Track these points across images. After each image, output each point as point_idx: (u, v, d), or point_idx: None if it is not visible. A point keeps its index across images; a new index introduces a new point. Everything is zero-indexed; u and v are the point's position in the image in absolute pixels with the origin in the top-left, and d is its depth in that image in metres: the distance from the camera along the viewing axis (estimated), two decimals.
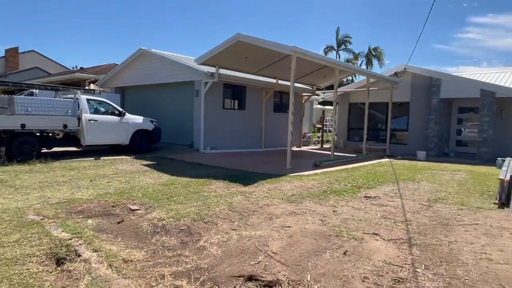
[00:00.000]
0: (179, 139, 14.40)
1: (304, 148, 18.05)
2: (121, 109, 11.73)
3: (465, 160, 13.78)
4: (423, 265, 3.61)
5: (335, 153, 13.48)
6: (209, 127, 13.22)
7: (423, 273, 3.44)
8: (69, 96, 11.31)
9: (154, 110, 15.12)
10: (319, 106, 26.73)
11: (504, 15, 66.05)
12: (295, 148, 17.28)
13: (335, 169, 10.02)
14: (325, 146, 19.81)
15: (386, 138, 16.10)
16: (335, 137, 19.26)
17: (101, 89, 17.09)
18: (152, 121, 12.55)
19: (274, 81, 15.41)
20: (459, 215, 5.46)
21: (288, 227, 4.71)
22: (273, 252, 3.88)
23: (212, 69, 12.65)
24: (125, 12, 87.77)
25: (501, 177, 6.38)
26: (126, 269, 3.42)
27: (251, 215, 5.18)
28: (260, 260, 3.68)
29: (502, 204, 6.10)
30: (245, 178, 8.04)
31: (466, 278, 3.34)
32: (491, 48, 68.73)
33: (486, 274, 3.41)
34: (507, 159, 8.56)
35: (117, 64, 17.91)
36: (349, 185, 7.58)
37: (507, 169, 7.13)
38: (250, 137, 15.18)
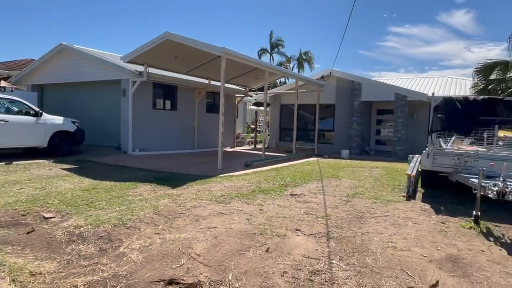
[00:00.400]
0: (105, 141, 13.60)
1: (237, 149, 18.22)
2: (37, 109, 10.72)
3: (383, 157, 15.05)
4: (338, 257, 3.88)
5: (267, 153, 13.83)
6: (138, 128, 12.70)
7: (337, 264, 3.69)
8: None
9: (78, 110, 14.06)
10: (253, 107, 27.18)
11: (418, 26, 73.65)
12: (228, 149, 17.37)
13: (265, 169, 10.28)
14: (258, 146, 20.20)
15: (314, 138, 16.96)
16: (268, 137, 19.79)
17: (15, 86, 15.45)
18: (74, 122, 11.67)
19: (206, 81, 15.33)
20: (372, 208, 5.96)
21: (214, 228, 4.72)
22: (196, 254, 3.86)
23: (141, 68, 12.18)
24: (48, 6, 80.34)
25: (408, 172, 7.09)
26: (33, 283, 3.14)
27: (177, 218, 5.09)
28: (182, 263, 3.64)
29: (409, 197, 6.79)
30: (174, 180, 7.87)
31: (374, 266, 3.65)
32: (407, 56, 76.11)
33: (391, 261, 3.77)
34: (415, 156, 9.54)
35: (35, 60, 16.34)
36: (277, 184, 7.84)
37: (414, 165, 7.96)
38: (183, 138, 14.90)
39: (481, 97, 6.58)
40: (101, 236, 4.32)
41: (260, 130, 23.63)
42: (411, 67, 76.73)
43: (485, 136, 7.54)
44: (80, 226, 4.56)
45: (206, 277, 3.34)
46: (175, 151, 14.18)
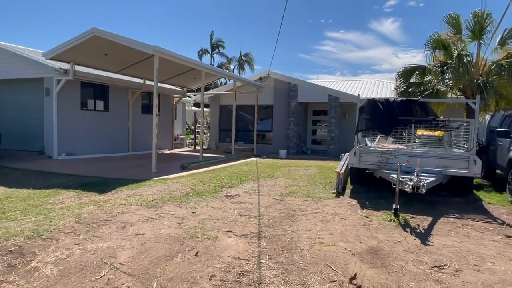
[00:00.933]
0: (26, 145, 12.40)
1: (176, 151, 17.76)
2: None
3: (319, 156, 15.68)
4: (267, 256, 3.91)
5: (206, 155, 13.68)
6: (64, 130, 11.75)
7: (266, 263, 3.72)
8: None
9: None
10: (192, 108, 26.72)
11: (352, 32, 78.21)
12: (166, 151, 16.87)
13: (203, 171, 10.13)
14: (198, 148, 19.87)
15: (253, 139, 17.13)
16: (208, 139, 19.57)
17: None
18: None
19: (141, 81, 14.71)
20: (304, 206, 6.14)
21: (142, 234, 4.51)
22: (120, 264, 3.64)
23: (67, 66, 11.29)
24: None
25: (337, 170, 7.45)
26: None
27: (102, 226, 4.77)
28: (103, 274, 3.41)
29: (339, 193, 7.13)
30: (103, 185, 7.41)
31: (301, 262, 3.74)
32: (343, 60, 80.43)
33: (317, 257, 3.89)
34: (346, 154, 10.06)
35: None
36: (213, 185, 7.75)
37: (344, 163, 8.38)
38: (116, 141, 14.12)
39: (399, 98, 7.15)
40: (10, 251, 3.89)
41: (199, 131, 23.28)
42: (346, 70, 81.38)
43: (405, 134, 8.19)
44: None
45: (128, 287, 3.16)
46: (108, 155, 13.39)
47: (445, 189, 7.52)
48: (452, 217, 5.62)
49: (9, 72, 12.19)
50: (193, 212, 5.53)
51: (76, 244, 4.12)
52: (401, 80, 12.47)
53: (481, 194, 7.67)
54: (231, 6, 76.97)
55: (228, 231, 4.69)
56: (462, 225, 5.23)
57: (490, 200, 7.02)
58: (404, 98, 7.26)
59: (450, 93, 12.43)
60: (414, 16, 76.07)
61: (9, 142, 11.99)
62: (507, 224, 5.29)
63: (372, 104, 7.12)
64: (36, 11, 75.16)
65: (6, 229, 4.48)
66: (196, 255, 3.87)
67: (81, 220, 4.98)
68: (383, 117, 6.94)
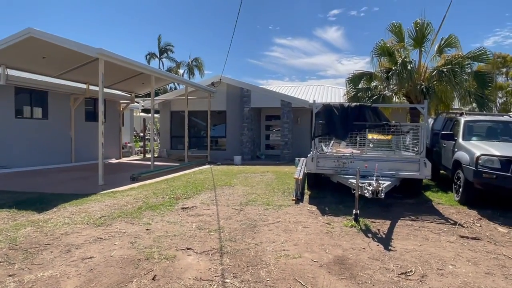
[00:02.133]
0: None
1: (124, 160, 16.82)
2: None
3: (273, 161, 15.71)
4: (232, 274, 3.66)
5: (157, 163, 13.05)
6: None
7: (231, 283, 3.47)
8: None
9: None
10: (141, 114, 25.62)
11: (298, 39, 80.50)
12: (113, 161, 15.90)
13: (155, 181, 9.60)
14: (148, 156, 19.00)
15: (207, 145, 16.74)
16: (159, 146, 18.80)
17: None
18: None
19: (84, 86, 13.71)
20: (265, 215, 5.97)
21: (90, 258, 4.03)
22: None
23: None
24: None
25: (296, 176, 7.40)
26: None
27: (42, 251, 4.21)
28: None
29: (298, 200, 7.07)
30: (42, 202, 6.67)
31: (268, 279, 3.54)
32: (290, 65, 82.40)
33: (284, 271, 3.72)
34: (301, 159, 10.11)
35: None
36: (167, 197, 7.32)
37: (301, 169, 8.37)
38: (57, 151, 12.99)
39: (353, 104, 7.29)
40: None
41: (149, 139, 22.35)
42: (294, 76, 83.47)
43: (358, 139, 8.39)
44: None
45: None
46: (48, 167, 12.26)
47: (396, 191, 7.79)
48: (409, 220, 5.78)
49: None
50: (147, 229, 5.12)
51: (10, 275, 3.56)
52: (350, 86, 12.90)
53: (429, 194, 8.05)
54: (178, 9, 75.67)
55: (188, 249, 4.37)
56: (419, 227, 5.38)
57: (439, 200, 7.38)
58: (358, 104, 7.43)
59: (394, 98, 13.07)
60: (356, 25, 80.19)
61: None
62: (459, 224, 5.54)
63: (328, 110, 7.19)
64: None
65: None
66: (153, 279, 3.52)
67: (16, 245, 4.37)
68: (338, 122, 7.02)
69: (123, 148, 17.89)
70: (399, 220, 5.72)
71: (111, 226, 5.24)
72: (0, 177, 9.80)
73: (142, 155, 19.16)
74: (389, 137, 9.08)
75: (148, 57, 43.48)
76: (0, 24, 66.14)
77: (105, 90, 14.52)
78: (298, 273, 3.66)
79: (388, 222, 5.57)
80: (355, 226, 5.29)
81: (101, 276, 3.58)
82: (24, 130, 11.64)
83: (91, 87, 13.72)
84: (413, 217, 5.91)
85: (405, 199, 7.36)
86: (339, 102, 7.99)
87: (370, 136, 8.82)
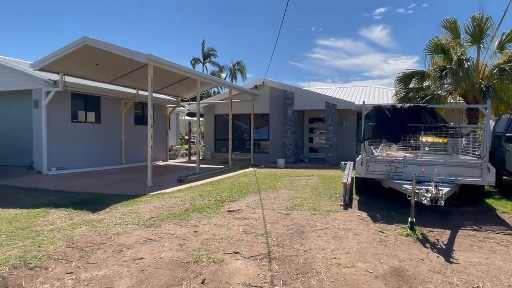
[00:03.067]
0: (14, 159, 11.88)
1: (171, 162, 17.31)
2: None
3: (317, 164, 15.37)
4: (281, 281, 3.53)
5: (202, 166, 13.25)
6: (54, 143, 11.27)
7: None
8: None
9: None
10: (186, 117, 26.32)
11: (342, 40, 78.79)
12: (160, 163, 16.41)
13: (201, 183, 9.72)
14: (193, 158, 19.43)
15: (250, 148, 16.77)
16: (203, 149, 19.16)
17: None
18: None
19: (134, 91, 14.31)
20: (312, 220, 5.77)
21: (141, 259, 4.09)
22: None
23: (56, 77, 10.87)
24: None
25: (344, 181, 7.11)
26: None
27: (96, 250, 4.35)
28: None
29: (346, 205, 6.78)
30: (96, 202, 6.97)
31: None
32: (333, 67, 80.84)
33: (337, 281, 3.52)
34: (348, 163, 9.76)
35: None
36: (213, 199, 7.35)
37: (348, 173, 8.05)
38: (109, 153, 13.64)
39: (407, 105, 6.87)
40: None
41: (194, 141, 22.89)
42: (337, 77, 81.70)
43: (412, 142, 7.90)
44: None
45: None
46: (100, 168, 12.90)
47: (454, 198, 7.23)
48: (471, 230, 5.30)
49: None
50: (195, 231, 5.13)
51: (68, 273, 3.69)
52: (400, 86, 12.28)
53: (492, 202, 7.39)
54: (222, 14, 77.17)
55: (235, 252, 4.30)
56: (483, 238, 4.91)
57: (504, 209, 6.74)
58: (412, 105, 6.99)
59: (449, 98, 12.26)
60: (404, 23, 76.91)
61: None
62: None
63: (379, 111, 6.83)
64: (27, 23, 74.34)
65: None
66: (202, 283, 3.48)
67: (73, 244, 4.55)
68: (390, 124, 6.64)
69: (169, 151, 18.41)
70: (460, 230, 5.27)
71: (160, 228, 5.32)
72: (58, 178, 10.45)
73: (187, 158, 19.63)
74: (445, 140, 8.50)
75: (193, 62, 44.75)
76: (55, 34, 71.43)
77: (153, 94, 15.08)
78: (352, 284, 3.44)
79: (448, 232, 5.15)
80: (411, 235, 4.94)
81: (151, 277, 3.60)
82: (79, 134, 12.34)
83: (140, 92, 14.28)
84: (475, 227, 5.42)
85: (465, 207, 6.81)
86: (390, 103, 7.58)
87: (424, 139, 8.30)
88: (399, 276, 3.62)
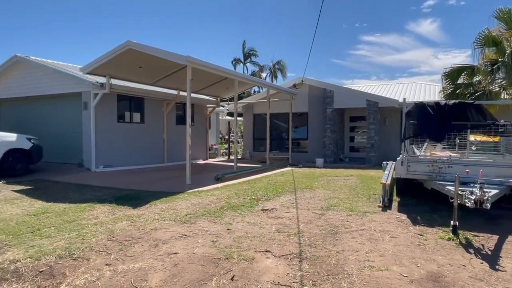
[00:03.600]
0: (66, 157, 12.77)
1: (210, 161, 17.68)
2: None
3: (358, 164, 14.95)
4: (311, 281, 3.48)
5: (240, 165, 13.41)
6: (102, 142, 11.97)
7: None
8: None
9: (37, 125, 13.23)
10: (226, 117, 26.76)
11: (388, 35, 75.94)
12: (200, 161, 16.82)
13: (237, 182, 9.83)
14: (232, 157, 19.71)
15: (289, 147, 16.68)
16: (242, 148, 19.37)
17: None
18: (29, 139, 10.83)
19: (175, 92, 14.79)
20: (347, 221, 5.62)
21: (175, 253, 4.23)
22: None
23: (103, 79, 11.53)
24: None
25: (383, 181, 6.85)
26: None
27: (134, 244, 4.55)
28: None
29: (385, 206, 6.53)
30: (137, 198, 7.30)
31: None
32: (378, 63, 78.13)
33: (369, 284, 3.41)
34: (389, 163, 9.38)
35: None
36: (248, 198, 7.41)
37: (389, 173, 7.74)
38: (152, 152, 14.23)
39: (452, 101, 6.46)
40: (41, 272, 3.73)
41: (233, 141, 23.21)
42: (383, 74, 78.86)
43: (457, 141, 7.44)
44: (17, 260, 3.95)
45: None
46: (144, 166, 13.49)
47: (505, 200, 6.71)
48: None
49: (51, 87, 12.66)
50: (228, 229, 5.20)
51: (107, 264, 3.91)
52: (447, 81, 11.61)
53: None
54: (263, 14, 77.45)
55: (266, 251, 4.30)
56: None
57: None
58: (457, 101, 6.56)
59: (503, 94, 11.39)
60: (455, 15, 72.55)
61: (50, 155, 12.39)
62: None
63: (421, 109, 6.49)
64: (69, 26, 79.52)
65: (39, 247, 4.36)
66: (232, 279, 3.52)
67: (113, 237, 4.80)
68: (433, 122, 6.28)
69: (209, 150, 18.82)
70: (509, 235, 4.88)
71: (195, 224, 5.45)
72: (104, 175, 11.07)
73: (227, 157, 19.95)
74: (496, 138, 7.90)
75: (233, 62, 45.43)
76: (97, 38, 75.45)
77: (193, 95, 15.48)
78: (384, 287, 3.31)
79: (496, 237, 4.78)
80: (453, 239, 4.65)
81: (184, 272, 3.71)
82: (125, 133, 12.98)
83: (181, 93, 14.72)
84: None
85: None
86: (434, 100, 7.18)
87: (472, 137, 7.78)
88: (436, 282, 3.43)
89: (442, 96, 11.56)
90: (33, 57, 13.22)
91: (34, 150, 10.85)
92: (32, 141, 10.85)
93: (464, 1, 67.90)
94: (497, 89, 10.87)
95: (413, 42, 75.87)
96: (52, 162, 12.79)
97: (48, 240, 4.64)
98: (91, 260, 4.04)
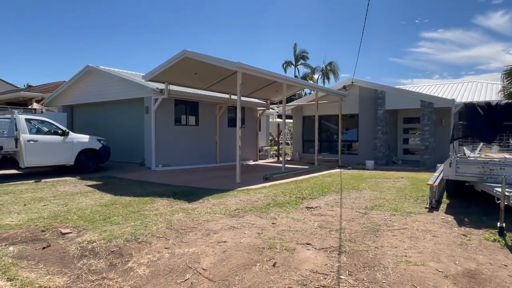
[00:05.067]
0: (130, 157, 14.04)
1: (260, 162, 18.20)
2: (64, 128, 11.26)
3: (411, 167, 14.52)
4: (347, 272, 3.74)
5: (289, 166, 13.74)
6: (161, 144, 13.02)
7: (345, 279, 3.55)
8: (6, 116, 10.71)
9: (104, 128, 14.70)
10: (277, 119, 27.19)
11: (452, 30, 71.46)
12: (251, 162, 17.40)
13: (285, 182, 10.18)
14: (281, 159, 20.06)
15: (338, 149, 16.65)
16: (292, 150, 19.66)
17: (45, 108, 16.36)
18: (99, 140, 12.14)
19: (227, 96, 15.54)
20: (390, 220, 5.72)
21: (224, 242, 4.70)
22: (203, 269, 3.85)
23: (162, 86, 12.55)
24: (73, 27, 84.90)
25: (430, 183, 6.78)
26: None
27: (189, 232, 5.11)
28: (187, 277, 3.64)
29: (432, 208, 6.48)
30: (191, 194, 7.96)
31: (384, 281, 3.49)
32: (441, 61, 73.80)
33: (403, 276, 3.58)
34: (441, 165, 9.11)
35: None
36: (294, 196, 7.73)
37: (438, 175, 7.61)
38: (205, 153, 15.10)
39: (504, 101, 6.25)
40: (112, 251, 4.40)
41: (282, 142, 23.55)
42: (446, 72, 74.22)
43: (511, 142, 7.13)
44: (93, 241, 4.68)
45: None
46: (198, 166, 14.37)
47: None
48: None
49: (117, 94, 14.02)
50: (273, 223, 5.59)
51: (165, 248, 4.48)
52: (508, 80, 10.96)
53: None
54: (315, 14, 76.97)
55: (307, 244, 4.61)
56: None
57: None
58: (510, 101, 6.32)
59: None
60: None
61: (117, 155, 13.70)
62: None
63: (470, 109, 6.36)
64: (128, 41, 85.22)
65: (110, 232, 5.09)
66: (274, 265, 3.89)
67: (171, 226, 5.41)
68: (483, 123, 6.13)
69: (259, 151, 19.37)
70: None
71: (243, 218, 5.91)
72: (163, 173, 12.04)
73: (276, 158, 20.36)
74: None
75: (284, 65, 45.83)
76: (156, 46, 79.76)
77: (244, 98, 16.13)
78: (418, 280, 3.47)
79: None
80: (498, 241, 4.59)
81: (231, 257, 4.15)
82: (181, 135, 13.96)
83: (233, 97, 15.44)
84: None
85: None
86: (485, 101, 6.96)
87: None
88: (472, 278, 3.51)
89: (502, 96, 10.92)
90: (102, 67, 14.73)
91: (103, 150, 12.14)
92: (101, 142, 12.15)
93: None
94: None
95: (481, 36, 70.54)
96: (118, 161, 14.13)
97: (117, 227, 5.38)
98: (152, 244, 4.65)
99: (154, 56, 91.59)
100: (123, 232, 5.05)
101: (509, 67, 10.92)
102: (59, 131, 11.04)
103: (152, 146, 12.74)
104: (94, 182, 9.92)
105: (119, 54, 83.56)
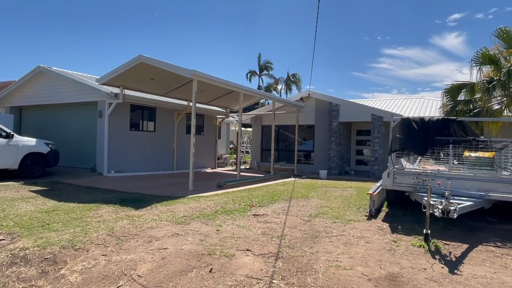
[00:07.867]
0: (81, 162, 13.54)
1: (219, 170, 18.21)
2: (9, 131, 10.67)
3: (362, 177, 15.19)
4: (280, 276, 3.89)
5: (245, 174, 13.89)
6: (114, 149, 12.67)
7: (277, 284, 3.70)
8: None
9: (56, 131, 14.09)
10: (238, 128, 27.34)
11: (411, 48, 75.77)
12: (209, 170, 17.37)
13: (238, 189, 10.30)
14: (241, 167, 20.19)
15: (294, 159, 17.07)
16: (244, 158, 19.84)
17: None
18: (47, 144, 11.62)
19: (185, 103, 15.47)
20: (330, 227, 6.00)
21: (165, 249, 4.71)
22: (138, 276, 3.84)
23: (117, 90, 12.29)
24: (27, 27, 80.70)
25: (370, 192, 7.19)
26: None
27: (130, 239, 5.06)
28: (120, 284, 3.62)
29: (371, 216, 6.86)
30: (140, 201, 7.84)
31: (313, 285, 3.68)
32: (400, 77, 77.83)
33: (330, 280, 3.80)
34: None
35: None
36: (243, 204, 7.85)
37: (379, 185, 8.07)
38: (162, 159, 14.88)
39: (435, 117, 6.80)
40: (46, 258, 4.27)
41: (243, 151, 23.75)
42: (404, 88, 78.44)
43: (450, 155, 7.72)
44: (26, 248, 4.51)
45: None
46: (154, 172, 14.12)
47: (491, 214, 6.95)
48: (492, 246, 5.16)
49: (70, 96, 13.52)
50: (217, 230, 5.66)
51: (103, 255, 4.41)
52: (447, 98, 11.88)
53: None
54: (280, 26, 78.68)
55: (247, 250, 4.73)
56: (502, 254, 4.79)
57: None
58: (441, 117, 6.89)
59: (506, 111, 11.55)
60: (482, 29, 71.70)
61: (67, 160, 13.17)
62: None
63: (406, 124, 6.86)
64: (87, 39, 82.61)
65: (46, 238, 4.92)
66: (210, 271, 3.97)
67: (112, 233, 5.32)
68: (417, 137, 6.63)
69: (218, 159, 19.37)
70: (480, 245, 5.16)
71: (189, 225, 5.93)
72: (115, 180, 11.72)
73: (235, 166, 20.43)
74: (491, 154, 8.14)
75: (249, 75, 46.34)
76: (114, 50, 77.75)
77: (203, 106, 16.17)
78: (344, 284, 3.69)
79: (465, 246, 5.08)
80: (423, 246, 4.97)
81: (169, 264, 4.18)
82: (136, 141, 13.68)
83: (191, 104, 15.35)
84: (499, 244, 5.26)
85: (501, 225, 6.52)
86: (419, 116, 7.52)
87: (467, 153, 8.05)
88: (392, 281, 3.79)
89: (442, 112, 11.81)
90: (55, 68, 14.16)
91: (51, 154, 11.62)
92: (49, 146, 11.64)
93: (492, 14, 66.98)
94: (497, 106, 11.05)
95: (437, 56, 75.40)
96: (68, 166, 13.56)
97: (55, 233, 5.21)
98: (90, 251, 4.56)
99: (114, 60, 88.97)
100: (60, 239, 4.91)
101: (448, 86, 11.86)
102: (3, 133, 10.45)
103: (105, 151, 12.38)
104: (39, 188, 9.47)
105: (78, 56, 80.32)
